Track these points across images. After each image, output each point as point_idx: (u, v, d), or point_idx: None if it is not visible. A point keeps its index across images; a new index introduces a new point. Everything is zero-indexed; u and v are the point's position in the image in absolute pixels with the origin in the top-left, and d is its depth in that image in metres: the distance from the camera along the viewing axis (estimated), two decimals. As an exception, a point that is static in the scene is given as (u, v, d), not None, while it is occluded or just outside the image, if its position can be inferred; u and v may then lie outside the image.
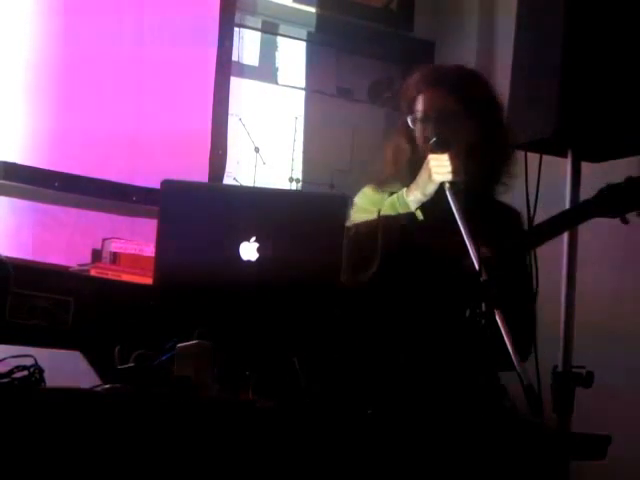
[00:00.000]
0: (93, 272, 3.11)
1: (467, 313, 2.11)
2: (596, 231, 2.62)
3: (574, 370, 2.30)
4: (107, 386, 1.75)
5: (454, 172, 2.47)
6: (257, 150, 3.91)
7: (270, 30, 4.15)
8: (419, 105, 2.63)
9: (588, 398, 2.31)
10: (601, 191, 2.18)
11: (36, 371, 1.68)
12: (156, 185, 2.10)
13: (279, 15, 4.13)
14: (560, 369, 2.32)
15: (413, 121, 2.62)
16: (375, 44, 4.27)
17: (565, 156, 2.47)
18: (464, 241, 2.26)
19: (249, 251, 2.05)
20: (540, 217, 2.37)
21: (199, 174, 3.68)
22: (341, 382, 2.18)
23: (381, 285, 2.48)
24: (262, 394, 1.88)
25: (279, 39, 4.18)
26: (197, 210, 2.10)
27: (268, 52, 4.15)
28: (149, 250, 3.21)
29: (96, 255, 3.36)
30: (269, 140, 3.98)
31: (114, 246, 3.29)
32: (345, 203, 2.18)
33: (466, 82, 2.64)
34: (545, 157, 2.49)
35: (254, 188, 3.49)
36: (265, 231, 2.05)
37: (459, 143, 2.55)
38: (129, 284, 3.04)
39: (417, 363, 2.44)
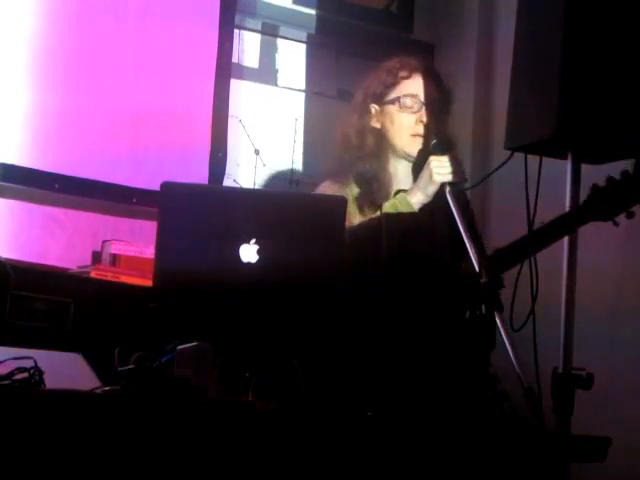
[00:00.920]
0: (93, 274, 3.11)
1: (467, 315, 2.11)
2: (596, 231, 2.62)
3: (574, 372, 2.30)
4: (107, 388, 1.75)
5: (454, 173, 2.47)
6: (257, 152, 3.90)
7: (270, 32, 4.15)
8: (406, 89, 2.62)
9: (588, 400, 2.31)
10: (592, 194, 2.18)
11: (36, 373, 1.68)
12: (156, 187, 2.10)
13: (279, 17, 4.13)
14: (560, 371, 2.32)
15: (397, 103, 2.61)
16: (375, 46, 4.26)
17: (565, 158, 2.47)
18: (464, 242, 2.27)
19: (249, 253, 2.05)
20: (540, 219, 2.37)
21: (199, 176, 3.68)
22: (341, 383, 2.18)
23: (386, 287, 2.47)
24: (262, 396, 1.88)
25: (279, 41, 4.18)
26: (197, 212, 2.10)
27: (268, 54, 4.15)
28: (149, 252, 3.21)
29: (96, 257, 3.36)
30: (269, 142, 3.97)
31: (114, 248, 3.29)
32: (344, 205, 2.18)
33: (443, 82, 2.68)
34: (545, 159, 2.49)
35: (254, 190, 3.49)
36: (265, 233, 2.05)
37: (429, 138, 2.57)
38: (129, 286, 3.04)
39: (417, 365, 2.44)
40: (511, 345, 2.10)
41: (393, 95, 2.63)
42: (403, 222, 2.50)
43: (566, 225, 2.26)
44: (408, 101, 2.61)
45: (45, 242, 3.46)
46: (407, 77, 2.64)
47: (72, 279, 3.04)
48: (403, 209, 2.51)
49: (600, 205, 2.16)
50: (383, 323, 2.49)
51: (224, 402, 1.83)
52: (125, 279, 3.10)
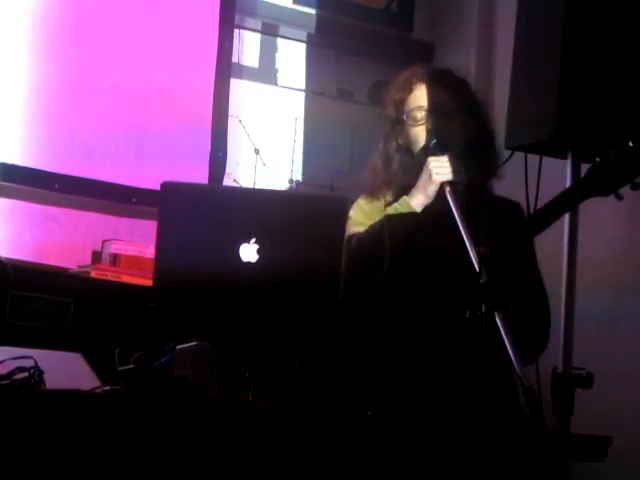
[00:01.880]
0: (93, 273, 3.11)
1: (467, 315, 2.11)
2: (597, 230, 2.63)
3: (574, 371, 2.30)
4: (107, 387, 1.75)
5: (454, 172, 2.47)
6: (257, 151, 3.91)
7: (270, 31, 4.15)
8: (413, 102, 2.63)
9: (588, 399, 2.31)
10: (591, 169, 2.17)
11: (36, 372, 1.68)
12: (156, 186, 2.10)
13: (279, 16, 4.13)
14: (560, 370, 2.32)
15: (408, 118, 2.62)
16: (375, 46, 4.27)
17: (565, 157, 2.47)
18: (464, 241, 2.27)
19: (249, 252, 2.05)
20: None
21: (199, 175, 3.68)
22: (341, 383, 2.18)
23: (391, 290, 2.47)
24: (262, 396, 1.88)
25: (279, 40, 4.18)
26: (197, 211, 2.09)
27: (268, 53, 4.15)
28: (149, 251, 3.21)
29: (96, 256, 3.36)
30: (269, 141, 3.98)
31: (114, 247, 3.29)
32: (345, 205, 2.18)
33: (456, 80, 2.67)
34: (545, 158, 2.49)
35: (254, 189, 3.49)
36: (265, 232, 2.05)
37: (455, 138, 2.57)
38: (129, 285, 3.04)
39: (417, 364, 2.44)
40: (511, 345, 2.10)
41: (404, 112, 2.64)
42: (405, 224, 2.50)
43: (568, 200, 2.25)
44: (415, 114, 2.61)
45: (45, 242, 3.46)
46: (411, 91, 2.64)
47: (72, 279, 3.04)
48: (404, 211, 2.51)
49: (601, 178, 2.14)
50: (384, 323, 2.49)
51: (224, 402, 1.83)
52: (125, 279, 3.11)
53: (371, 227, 2.52)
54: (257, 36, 4.12)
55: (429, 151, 2.54)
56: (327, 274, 2.08)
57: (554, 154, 2.49)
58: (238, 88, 3.95)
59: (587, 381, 2.25)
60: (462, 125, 2.61)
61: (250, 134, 3.91)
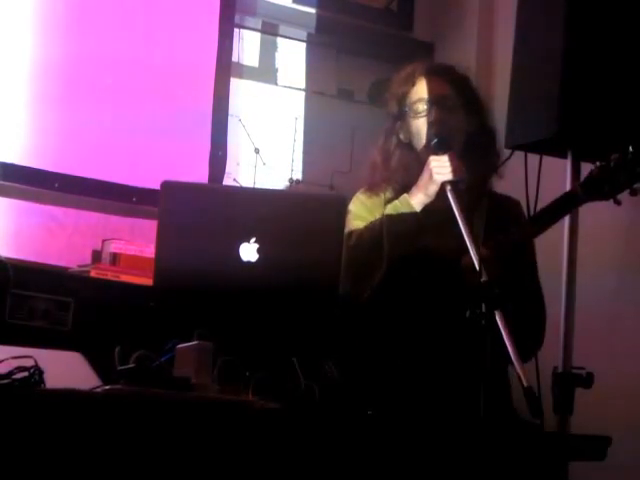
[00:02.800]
0: (93, 273, 3.10)
1: (467, 314, 2.11)
2: (596, 230, 2.62)
3: (574, 371, 2.30)
4: (107, 387, 1.75)
5: (455, 172, 2.47)
6: (257, 151, 3.91)
7: (270, 31, 4.15)
8: (415, 95, 2.63)
9: (588, 399, 2.31)
10: (590, 174, 2.18)
11: (36, 372, 1.68)
12: (156, 186, 2.10)
13: (279, 16, 4.13)
14: (560, 370, 2.32)
15: (410, 110, 2.61)
16: (375, 45, 4.27)
17: (565, 157, 2.47)
18: (464, 241, 2.27)
19: (249, 252, 2.05)
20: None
21: (199, 175, 3.68)
22: (341, 383, 2.18)
23: (389, 289, 2.47)
24: (262, 395, 1.88)
25: (279, 40, 4.18)
26: (197, 211, 2.09)
27: (268, 53, 4.15)
28: (149, 251, 3.21)
29: (96, 256, 3.35)
30: (269, 141, 3.97)
31: (114, 247, 3.28)
32: (344, 204, 2.18)
33: (458, 76, 2.67)
34: (545, 157, 2.49)
35: (254, 189, 3.49)
36: (265, 232, 2.05)
37: (457, 135, 2.57)
38: (129, 285, 3.04)
39: (417, 364, 2.43)
40: (511, 344, 2.10)
41: (406, 106, 2.63)
42: (404, 223, 2.50)
43: (567, 204, 2.25)
44: (416, 107, 2.61)
45: (45, 241, 3.45)
46: (414, 84, 2.64)
47: (72, 278, 3.04)
48: (404, 210, 2.51)
49: (600, 183, 2.15)
50: (383, 322, 2.49)
51: (224, 401, 1.83)
52: (125, 278, 3.10)
53: (371, 224, 2.52)
54: (257, 35, 4.12)
55: (430, 150, 2.54)
56: (327, 273, 2.08)
57: (554, 153, 2.50)
58: (238, 87, 3.95)
59: (587, 381, 2.25)
60: (463, 121, 2.61)
61: (250, 133, 3.91)
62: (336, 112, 4.19)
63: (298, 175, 4.07)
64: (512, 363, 2.03)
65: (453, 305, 2.37)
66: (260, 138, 3.94)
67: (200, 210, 2.10)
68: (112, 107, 3.56)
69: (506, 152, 2.52)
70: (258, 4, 4.06)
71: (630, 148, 2.14)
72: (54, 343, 2.26)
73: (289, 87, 4.16)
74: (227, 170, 3.82)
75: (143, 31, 3.65)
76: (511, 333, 2.06)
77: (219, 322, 2.04)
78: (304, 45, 4.22)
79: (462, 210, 2.33)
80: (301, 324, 2.06)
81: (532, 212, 2.40)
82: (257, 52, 4.12)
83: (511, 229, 2.43)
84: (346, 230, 2.28)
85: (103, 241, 3.35)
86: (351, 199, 2.63)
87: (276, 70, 4.16)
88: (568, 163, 2.46)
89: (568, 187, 2.44)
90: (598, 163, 2.17)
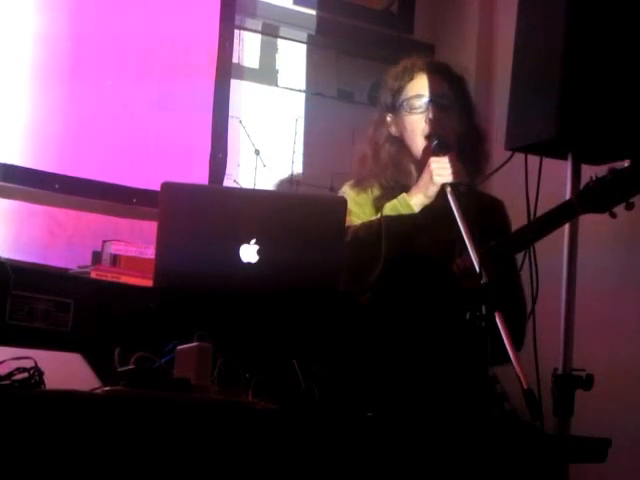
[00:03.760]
0: (93, 274, 3.10)
1: (467, 316, 2.11)
2: (597, 230, 2.63)
3: (574, 373, 2.30)
4: (107, 388, 1.75)
5: (455, 174, 2.47)
6: (257, 152, 3.90)
7: (270, 32, 4.14)
8: (412, 90, 2.62)
9: (588, 401, 2.31)
10: (587, 186, 2.18)
11: (36, 373, 1.68)
12: (156, 187, 2.10)
13: (279, 17, 4.13)
14: (560, 372, 2.32)
15: (406, 105, 2.61)
16: (375, 47, 4.27)
17: (565, 158, 2.47)
18: (458, 242, 2.27)
19: (249, 253, 2.05)
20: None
21: (199, 176, 3.68)
22: (341, 384, 2.18)
23: (385, 288, 2.47)
24: (262, 396, 1.88)
25: (279, 41, 4.18)
26: (197, 212, 2.09)
27: (268, 54, 4.15)
28: (149, 252, 3.21)
29: (96, 257, 3.35)
30: (269, 142, 3.97)
31: (114, 248, 3.28)
32: (345, 206, 2.18)
33: (456, 75, 2.67)
34: (545, 159, 2.49)
35: (254, 190, 3.49)
36: (265, 233, 2.05)
37: (450, 135, 2.57)
38: (129, 286, 3.03)
39: (417, 365, 2.43)
40: (511, 345, 2.10)
41: (401, 99, 2.62)
42: (402, 224, 2.50)
43: (559, 218, 2.25)
44: (413, 102, 2.61)
45: (45, 242, 3.45)
46: (411, 79, 2.64)
47: (72, 279, 3.03)
48: (403, 210, 2.51)
49: (596, 196, 2.15)
50: (383, 324, 2.49)
51: (224, 403, 1.83)
52: (125, 279, 3.10)
53: (368, 222, 2.51)
54: (257, 37, 4.12)
55: (431, 151, 2.54)
56: (327, 275, 2.08)
57: (554, 155, 2.50)
58: (238, 89, 3.95)
59: (587, 382, 2.25)
60: (457, 121, 2.61)
61: (250, 135, 3.91)
62: (336, 113, 4.19)
63: (298, 176, 4.07)
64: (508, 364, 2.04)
65: (448, 306, 2.38)
66: (260, 139, 3.94)
67: (200, 211, 2.10)
68: (112, 108, 3.56)
69: (506, 154, 2.52)
70: (258, 6, 4.06)
71: (626, 163, 2.15)
72: (54, 344, 2.25)
73: (289, 88, 4.16)
74: (227, 171, 3.82)
75: (143, 32, 3.65)
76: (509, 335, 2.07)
77: (219, 323, 2.04)
78: (304, 46, 4.22)
79: (462, 212, 2.34)
80: (301, 325, 2.06)
81: (532, 214, 2.40)
82: (257, 53, 4.12)
83: (504, 236, 2.43)
84: None
85: (103, 242, 3.35)
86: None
87: (276, 71, 4.16)
88: (568, 165, 2.46)
89: (568, 189, 2.45)
90: (595, 176, 2.17)
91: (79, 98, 3.52)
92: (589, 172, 2.50)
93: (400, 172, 2.59)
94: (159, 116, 3.64)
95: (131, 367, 1.82)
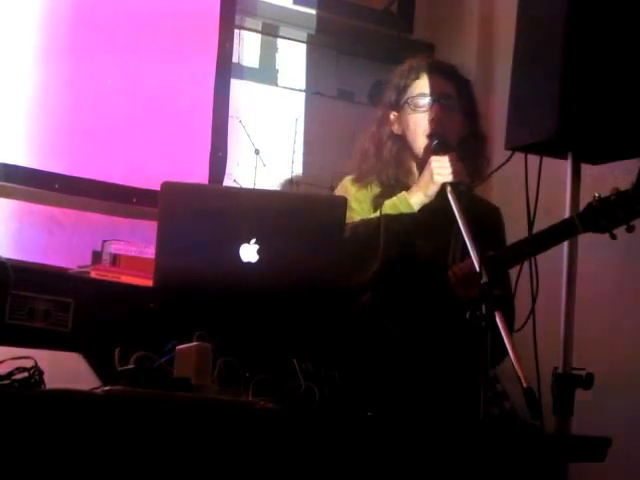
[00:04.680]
0: (93, 274, 3.10)
1: (467, 315, 2.11)
2: (598, 234, 2.62)
3: (574, 372, 2.29)
4: (107, 388, 1.75)
5: (455, 173, 2.47)
6: (257, 152, 3.91)
7: (270, 32, 4.14)
8: (417, 89, 2.62)
9: (588, 400, 2.31)
10: (588, 206, 2.18)
11: (36, 373, 1.68)
12: (156, 187, 2.10)
13: (279, 17, 4.13)
14: (560, 371, 2.32)
15: (410, 104, 2.61)
16: (375, 46, 4.27)
17: (565, 158, 2.47)
18: (456, 242, 2.28)
19: (249, 253, 2.05)
20: (540, 219, 2.37)
21: (199, 176, 3.68)
22: (341, 384, 2.18)
23: (383, 287, 2.47)
24: (262, 396, 1.88)
25: (279, 41, 4.18)
26: (197, 212, 2.10)
27: (268, 54, 4.15)
28: (149, 252, 3.20)
29: (96, 257, 3.35)
30: (269, 142, 3.97)
31: (114, 248, 3.28)
32: (345, 205, 2.18)
33: (462, 77, 2.67)
34: (545, 159, 2.49)
35: (254, 190, 3.49)
36: (265, 233, 2.05)
37: (453, 136, 2.57)
38: (129, 286, 3.03)
39: (417, 365, 2.43)
40: (511, 345, 2.10)
41: (406, 98, 2.63)
42: (401, 223, 2.50)
43: (559, 235, 2.25)
44: (417, 101, 2.61)
45: (45, 242, 3.45)
46: (417, 77, 2.64)
47: (72, 279, 3.03)
48: (403, 209, 2.51)
49: (597, 218, 2.15)
50: (381, 323, 2.49)
51: (224, 402, 1.83)
52: (125, 279, 3.10)
53: (368, 220, 2.52)
54: (257, 36, 4.12)
55: (431, 150, 2.54)
56: (327, 274, 2.08)
57: (554, 154, 2.49)
58: (238, 88, 3.95)
59: (587, 382, 2.25)
60: (460, 124, 2.62)
61: (250, 134, 3.91)
62: (336, 113, 4.19)
63: (298, 176, 4.07)
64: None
65: (446, 305, 2.38)
66: (260, 139, 3.93)
67: (200, 211, 2.10)
68: (112, 108, 3.56)
69: (506, 153, 2.52)
70: (258, 5, 4.06)
71: (631, 185, 2.15)
72: (54, 344, 2.26)
73: (289, 88, 4.16)
74: (227, 171, 3.82)
75: (143, 32, 3.65)
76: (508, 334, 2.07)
77: (219, 323, 2.04)
78: (304, 46, 4.22)
79: (462, 212, 2.34)
80: (301, 325, 2.06)
81: (532, 214, 2.40)
82: (257, 53, 4.12)
83: (496, 242, 2.43)
84: None
85: (103, 242, 3.35)
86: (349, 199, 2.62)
87: (276, 71, 4.16)
88: (568, 164, 2.46)
89: (568, 188, 2.44)
90: (597, 195, 2.17)
91: (79, 98, 3.52)
92: (589, 171, 2.51)
93: (401, 170, 2.59)
94: (159, 116, 3.64)
95: (131, 367, 1.82)
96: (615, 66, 2.34)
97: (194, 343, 1.92)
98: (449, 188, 2.45)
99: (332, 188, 4.02)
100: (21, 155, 3.40)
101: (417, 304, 2.48)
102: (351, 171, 2.71)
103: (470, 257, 2.28)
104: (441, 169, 2.48)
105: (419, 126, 2.59)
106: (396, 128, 2.65)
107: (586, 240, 2.49)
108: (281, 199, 2.32)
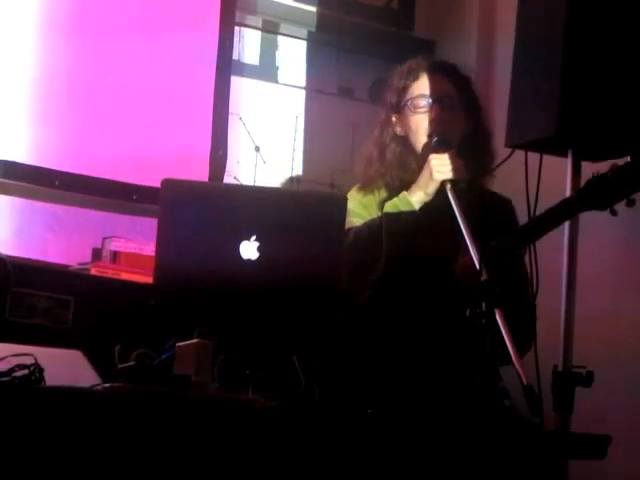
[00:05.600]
0: (93, 271, 3.10)
1: (467, 313, 2.11)
2: (597, 230, 2.63)
3: (574, 370, 2.30)
4: (107, 385, 1.75)
5: (455, 170, 2.47)
6: (257, 149, 3.91)
7: (271, 29, 4.15)
8: (417, 90, 2.62)
9: (588, 398, 2.31)
10: (588, 183, 2.18)
11: (36, 370, 1.68)
12: (156, 184, 2.10)
13: (280, 14, 4.13)
14: (560, 369, 2.32)
15: (410, 105, 2.61)
16: (376, 43, 4.27)
17: (565, 155, 2.47)
18: (459, 240, 2.28)
19: (249, 250, 2.05)
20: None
21: (199, 173, 3.68)
22: (341, 381, 2.18)
23: (386, 286, 2.47)
24: (262, 393, 1.88)
25: (280, 38, 4.18)
26: (197, 209, 2.10)
27: (269, 51, 4.15)
28: (149, 249, 3.21)
29: (96, 254, 3.36)
30: (269, 139, 3.97)
31: (114, 245, 3.29)
32: (345, 202, 2.18)
33: (462, 75, 2.67)
34: (545, 156, 2.49)
35: (254, 187, 3.49)
36: (265, 230, 2.05)
37: (455, 134, 2.57)
38: (129, 283, 3.04)
39: (417, 363, 2.44)
40: (511, 342, 2.10)
41: (406, 99, 2.63)
42: (403, 221, 2.50)
43: (560, 215, 2.25)
44: (418, 102, 2.61)
45: (45, 239, 3.46)
46: (416, 78, 2.64)
47: (72, 276, 3.04)
48: (403, 207, 2.51)
49: (596, 193, 2.15)
50: (383, 321, 2.49)
51: (224, 399, 1.83)
52: (125, 276, 3.10)
53: (370, 222, 2.52)
54: (258, 34, 4.12)
55: (431, 148, 2.54)
56: (327, 271, 2.08)
57: (555, 152, 2.49)
58: (239, 86, 3.95)
59: (587, 379, 2.25)
60: (462, 121, 2.62)
61: (250, 132, 3.91)
62: (336, 110, 4.19)
63: (298, 173, 4.07)
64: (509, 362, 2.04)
65: (448, 304, 2.38)
66: (260, 136, 3.94)
67: (200, 208, 2.10)
68: (112, 105, 3.56)
69: (506, 151, 2.52)
70: (259, 2, 4.06)
71: (628, 158, 2.15)
72: (54, 341, 2.26)
73: (290, 85, 4.16)
74: (227, 168, 3.82)
75: (144, 30, 3.65)
76: (509, 332, 2.07)
77: (219, 320, 2.04)
78: (304, 43, 4.22)
79: (462, 209, 2.34)
80: (301, 322, 2.06)
81: (532, 211, 2.40)
82: (258, 50, 4.12)
83: (504, 235, 2.43)
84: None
85: (103, 239, 3.35)
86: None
87: (277, 68, 4.16)
88: (568, 162, 2.46)
89: (569, 186, 2.44)
90: (595, 173, 2.17)
91: (79, 96, 3.52)
92: (589, 169, 2.51)
93: (406, 172, 2.59)
94: (159, 113, 3.64)
95: (131, 364, 1.82)
96: (614, 64, 2.33)
97: (194, 340, 1.92)
98: (449, 185, 2.45)
99: (332, 185, 4.03)
100: (22, 153, 3.40)
101: (419, 303, 2.48)
102: (350, 172, 2.71)
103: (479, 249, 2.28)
104: (441, 167, 2.48)
105: (420, 127, 2.59)
106: (399, 130, 2.65)
107: (586, 237, 2.49)
108: (281, 196, 2.32)
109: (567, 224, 2.41)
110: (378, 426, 1.85)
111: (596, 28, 2.34)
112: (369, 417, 1.89)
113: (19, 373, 1.66)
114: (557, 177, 2.45)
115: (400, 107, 2.64)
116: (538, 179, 2.45)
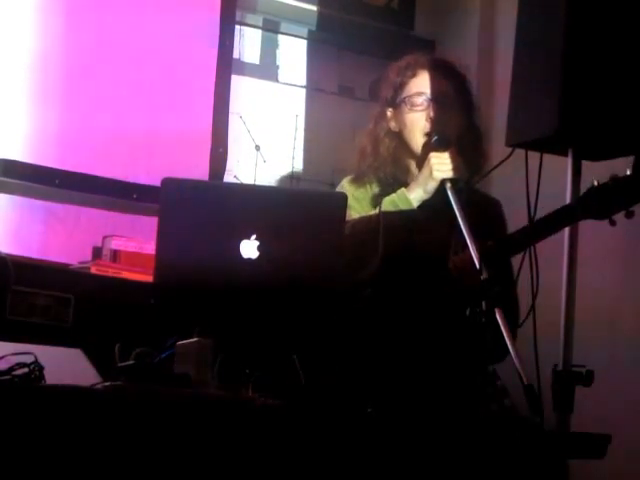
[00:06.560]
0: (93, 270, 3.10)
1: (467, 312, 2.11)
2: (597, 230, 2.62)
3: (574, 369, 2.30)
4: (107, 383, 1.75)
5: (455, 169, 2.47)
6: (258, 148, 3.91)
7: (271, 28, 4.14)
8: (414, 87, 2.62)
9: (588, 397, 2.31)
10: (588, 192, 2.18)
11: (36, 368, 1.68)
12: (157, 183, 2.10)
13: (280, 13, 4.12)
14: (560, 368, 2.32)
15: (407, 102, 2.61)
16: (376, 42, 4.27)
17: (566, 155, 2.47)
18: (455, 237, 2.28)
19: (249, 249, 2.05)
20: (541, 216, 2.37)
21: (199, 172, 3.68)
22: (341, 380, 2.18)
23: (383, 283, 2.47)
24: (262, 392, 1.88)
25: (280, 37, 4.18)
26: (197, 208, 2.10)
27: (269, 50, 4.14)
28: (149, 248, 3.21)
29: (96, 253, 3.36)
30: (270, 138, 3.97)
31: (114, 244, 3.29)
32: (345, 201, 2.18)
33: (459, 74, 2.67)
34: (545, 156, 2.49)
35: (254, 186, 3.49)
36: (265, 229, 2.05)
37: (451, 132, 2.57)
38: (129, 282, 3.04)
39: (416, 361, 2.44)
40: (511, 342, 2.10)
41: (403, 96, 2.62)
42: (401, 219, 2.50)
43: (559, 222, 2.26)
44: (415, 100, 2.60)
45: (46, 238, 3.45)
46: (414, 75, 2.64)
47: (73, 275, 3.04)
48: (402, 205, 2.51)
49: (596, 203, 2.15)
50: (382, 319, 2.49)
51: (224, 398, 1.83)
52: (126, 275, 3.10)
53: (367, 216, 2.52)
54: (258, 32, 4.12)
55: (431, 147, 2.54)
56: (327, 270, 2.08)
57: (555, 151, 2.49)
58: (239, 85, 3.95)
59: (587, 379, 2.25)
60: (457, 120, 2.62)
61: (251, 130, 3.91)
62: (337, 109, 4.18)
63: (298, 172, 4.07)
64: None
65: (446, 301, 2.38)
66: (261, 135, 3.93)
67: (200, 207, 2.10)
68: (113, 103, 3.56)
69: (507, 150, 2.52)
70: (259, 1, 4.05)
71: (628, 171, 2.15)
72: (54, 339, 2.26)
73: (290, 84, 4.16)
74: (228, 167, 3.82)
75: (144, 28, 3.64)
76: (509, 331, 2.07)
77: (219, 319, 2.04)
78: (305, 42, 4.22)
79: (462, 208, 2.34)
80: (301, 321, 2.06)
81: (532, 210, 2.40)
82: (258, 49, 4.12)
83: (497, 235, 2.43)
84: None
85: (103, 238, 3.35)
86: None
87: (277, 67, 4.16)
88: (569, 161, 2.46)
89: (569, 185, 2.45)
90: (596, 182, 2.18)
91: (79, 94, 3.52)
92: (590, 169, 2.51)
93: (398, 168, 2.59)
94: (159, 112, 3.64)
95: (131, 362, 1.83)
96: (615, 63, 2.34)
97: (194, 339, 1.92)
98: (448, 184, 2.45)
99: (332, 184, 4.02)
100: (22, 151, 3.40)
101: (416, 300, 2.48)
102: (351, 170, 2.71)
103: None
104: (441, 165, 2.48)
105: (416, 124, 2.59)
106: (393, 125, 2.65)
107: (587, 236, 2.49)
108: (281, 195, 2.31)
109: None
110: (378, 425, 1.85)
111: (596, 28, 2.34)
112: (369, 416, 1.89)
113: (19, 371, 1.66)
114: (557, 176, 2.45)
115: (396, 103, 2.64)
116: (538, 178, 2.45)
